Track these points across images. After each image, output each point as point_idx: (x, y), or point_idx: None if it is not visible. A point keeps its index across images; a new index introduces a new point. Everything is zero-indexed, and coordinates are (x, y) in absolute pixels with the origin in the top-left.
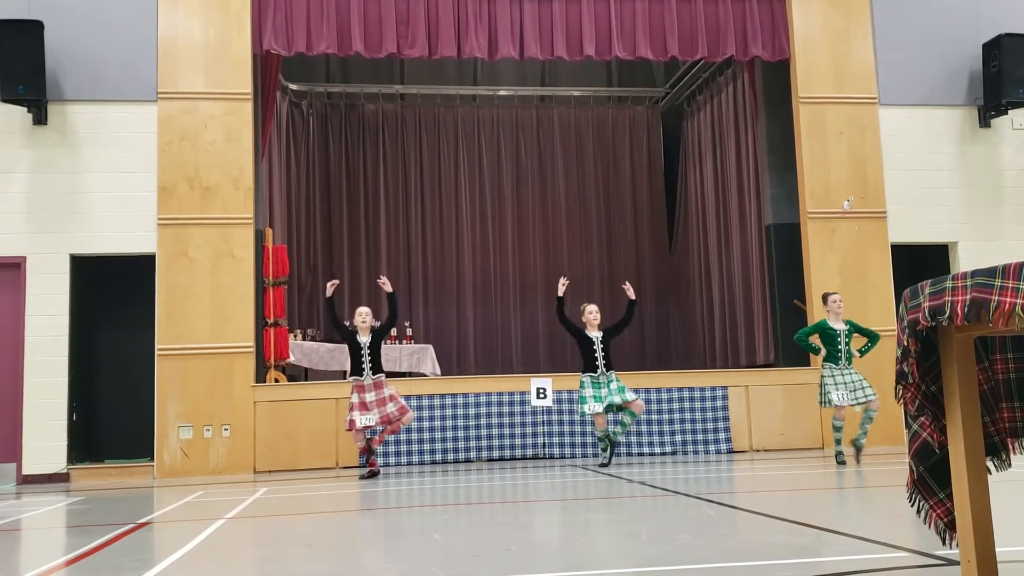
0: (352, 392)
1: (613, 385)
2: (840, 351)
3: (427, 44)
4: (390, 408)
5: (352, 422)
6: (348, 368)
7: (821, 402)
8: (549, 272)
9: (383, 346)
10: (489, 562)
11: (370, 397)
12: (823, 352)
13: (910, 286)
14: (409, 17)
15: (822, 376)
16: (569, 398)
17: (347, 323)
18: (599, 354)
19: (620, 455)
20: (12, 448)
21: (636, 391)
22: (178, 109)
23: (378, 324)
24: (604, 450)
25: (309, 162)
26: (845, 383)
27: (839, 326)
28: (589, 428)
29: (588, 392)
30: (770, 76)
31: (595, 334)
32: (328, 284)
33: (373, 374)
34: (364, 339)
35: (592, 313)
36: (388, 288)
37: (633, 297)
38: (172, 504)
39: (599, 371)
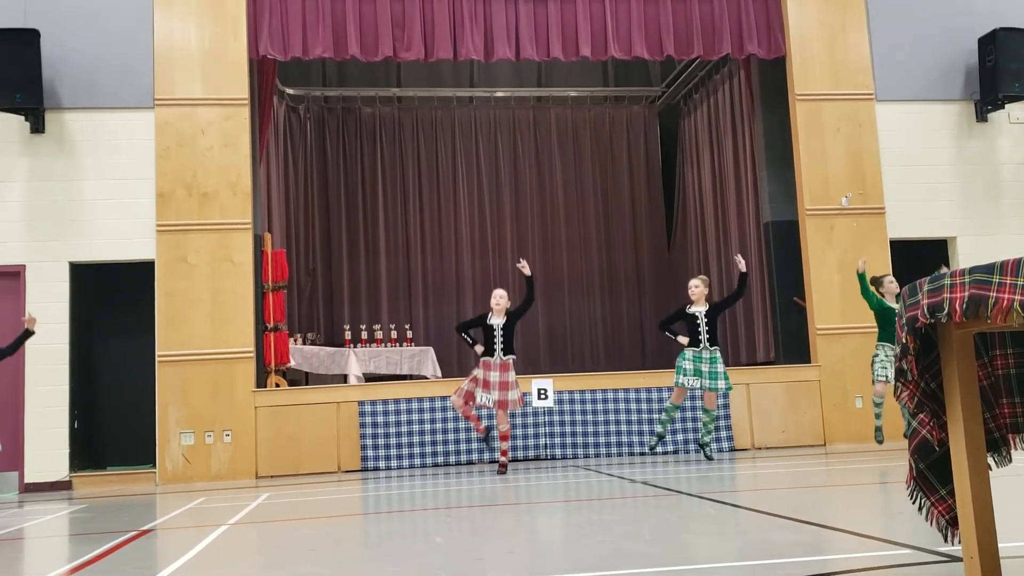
0: (478, 367)
1: (718, 367)
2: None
3: (423, 47)
4: (511, 395)
5: (469, 394)
6: (481, 349)
7: (873, 380)
8: (549, 272)
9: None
10: (492, 565)
11: (494, 377)
12: (878, 329)
13: (909, 282)
14: (405, 20)
15: (875, 354)
16: (570, 398)
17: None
18: (703, 330)
19: (622, 455)
20: (14, 456)
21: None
22: (175, 115)
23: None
24: (662, 428)
25: (307, 166)
26: (891, 362)
27: (897, 306)
28: (591, 428)
29: (688, 365)
30: (766, 73)
31: (699, 309)
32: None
33: (504, 355)
34: (497, 320)
35: (697, 287)
36: (527, 271)
37: (744, 270)
38: (175, 510)
39: (702, 346)
